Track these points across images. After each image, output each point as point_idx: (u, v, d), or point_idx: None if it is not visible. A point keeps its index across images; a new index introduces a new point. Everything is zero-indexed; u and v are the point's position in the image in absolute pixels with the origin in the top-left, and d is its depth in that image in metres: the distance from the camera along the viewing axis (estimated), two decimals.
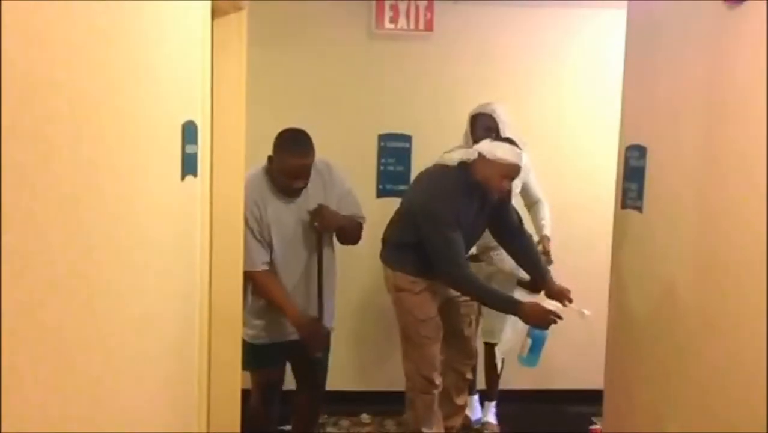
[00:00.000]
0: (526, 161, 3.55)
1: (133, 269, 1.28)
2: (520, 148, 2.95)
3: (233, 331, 2.81)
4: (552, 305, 2.97)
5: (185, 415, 1.86)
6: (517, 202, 3.57)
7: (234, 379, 2.79)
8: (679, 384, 2.12)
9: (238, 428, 2.81)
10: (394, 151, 4.10)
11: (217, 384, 2.71)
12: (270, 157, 2.90)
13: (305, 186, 2.90)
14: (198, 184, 1.90)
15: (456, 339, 3.24)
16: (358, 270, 3.82)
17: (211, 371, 2.64)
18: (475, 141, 3.55)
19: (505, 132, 3.50)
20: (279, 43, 3.96)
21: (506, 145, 2.93)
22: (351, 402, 3.91)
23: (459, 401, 3.34)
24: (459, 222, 2.90)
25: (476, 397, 3.91)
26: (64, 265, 0.93)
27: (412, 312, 3.08)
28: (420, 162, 3.72)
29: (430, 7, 3.96)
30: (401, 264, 3.10)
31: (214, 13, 2.42)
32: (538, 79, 4.15)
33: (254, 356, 3.03)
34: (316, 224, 2.90)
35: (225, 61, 2.63)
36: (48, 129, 0.87)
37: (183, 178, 1.70)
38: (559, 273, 3.30)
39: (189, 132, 1.73)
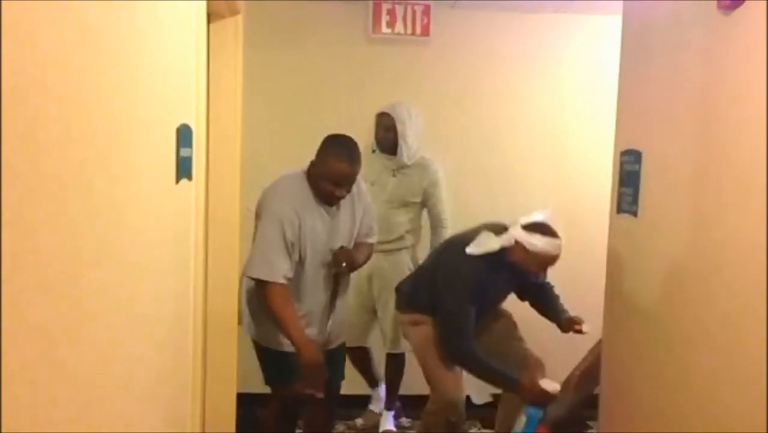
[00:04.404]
0: (437, 177, 3.64)
1: (125, 270, 1.28)
2: (558, 237, 2.80)
3: (229, 333, 2.81)
4: (550, 385, 2.94)
5: (179, 415, 1.86)
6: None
7: (230, 380, 2.80)
8: (675, 389, 2.12)
9: (233, 428, 2.81)
10: None
11: (213, 385, 2.72)
12: (312, 162, 2.71)
13: (345, 196, 2.71)
14: (193, 187, 1.90)
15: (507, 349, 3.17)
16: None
17: (207, 372, 2.64)
18: (377, 140, 3.66)
19: (405, 132, 3.53)
20: (276, 46, 3.97)
21: (545, 238, 2.79)
22: (347, 406, 3.90)
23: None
24: (481, 296, 2.89)
25: (382, 387, 3.92)
26: (53, 266, 0.93)
27: (431, 338, 3.01)
28: None
29: (426, 12, 3.97)
30: (414, 305, 3.10)
31: (211, 17, 2.44)
32: (535, 84, 4.16)
33: (286, 368, 2.73)
34: (344, 264, 2.72)
35: (221, 65, 2.65)
36: (37, 130, 0.87)
37: (177, 181, 1.71)
38: (554, 279, 3.30)
39: (184, 135, 1.74)
